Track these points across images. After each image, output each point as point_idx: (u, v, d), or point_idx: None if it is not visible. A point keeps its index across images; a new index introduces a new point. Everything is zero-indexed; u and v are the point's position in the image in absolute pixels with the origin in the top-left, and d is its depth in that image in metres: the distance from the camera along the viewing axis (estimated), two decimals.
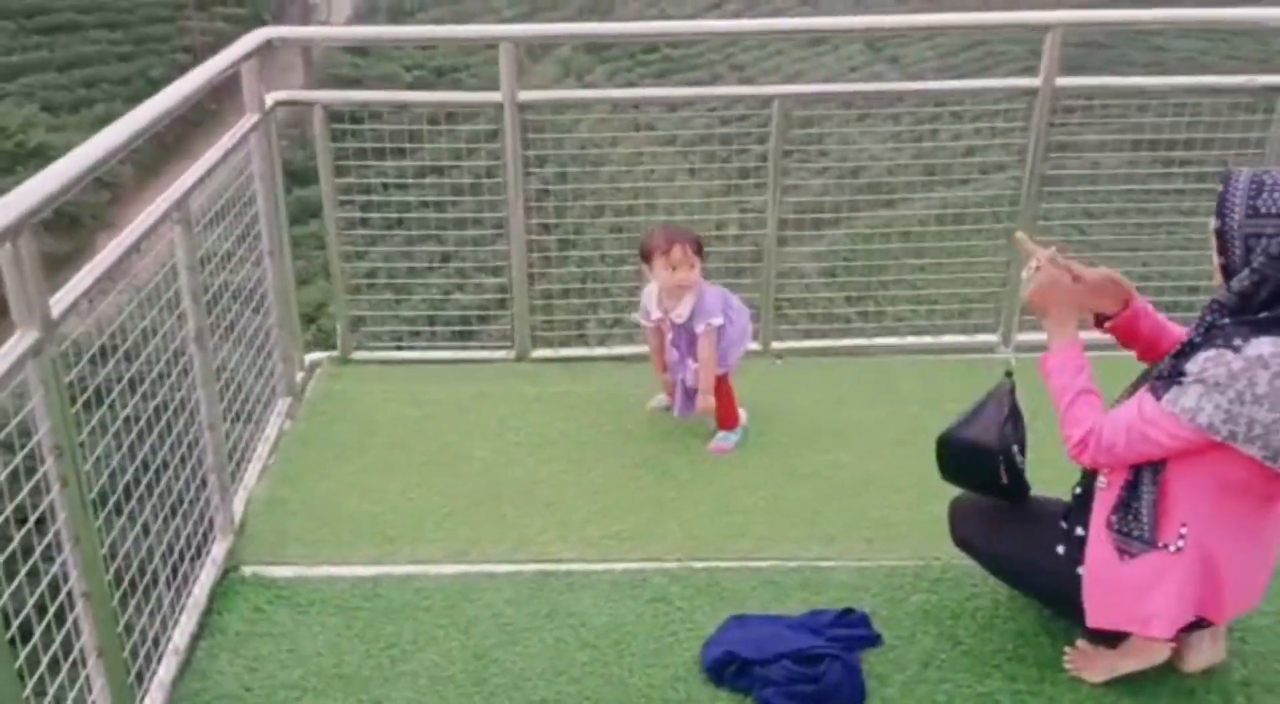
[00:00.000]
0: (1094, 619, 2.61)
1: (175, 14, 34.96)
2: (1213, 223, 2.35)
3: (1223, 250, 2.34)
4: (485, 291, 4.87)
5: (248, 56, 3.68)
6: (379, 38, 12.27)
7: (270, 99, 3.91)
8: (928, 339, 4.73)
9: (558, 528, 3.48)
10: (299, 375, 4.37)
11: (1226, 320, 2.33)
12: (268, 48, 3.82)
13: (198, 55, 31.69)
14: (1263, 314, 2.28)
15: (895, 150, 4.90)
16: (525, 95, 4.21)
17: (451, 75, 34.74)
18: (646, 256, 3.80)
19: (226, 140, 3.52)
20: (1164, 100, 4.44)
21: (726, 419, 3.95)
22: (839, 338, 4.80)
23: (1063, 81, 4.25)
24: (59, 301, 2.27)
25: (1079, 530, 2.66)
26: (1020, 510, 2.88)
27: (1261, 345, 2.24)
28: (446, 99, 4.78)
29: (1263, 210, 2.27)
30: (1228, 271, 2.35)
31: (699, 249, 3.79)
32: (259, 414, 3.87)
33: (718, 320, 3.81)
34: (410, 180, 4.44)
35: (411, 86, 31.81)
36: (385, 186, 4.26)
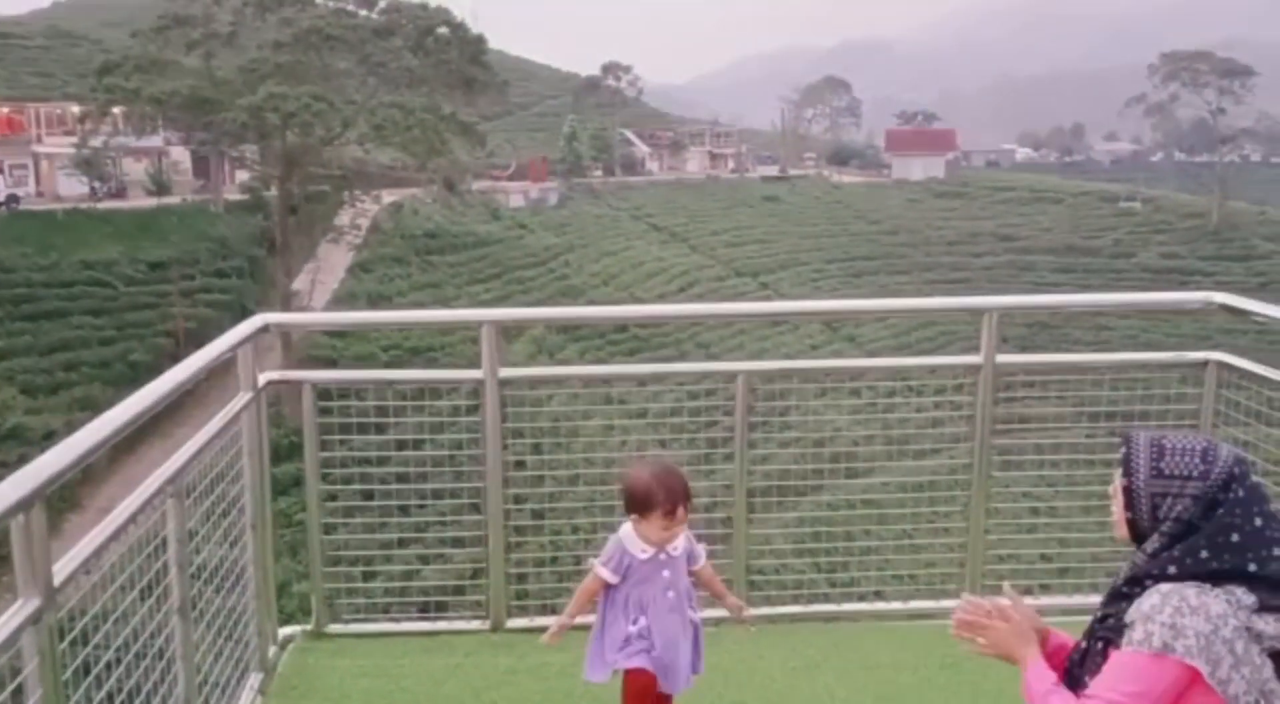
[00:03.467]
0: None
1: (159, 301, 36.30)
2: (1120, 480, 2.57)
3: (1129, 506, 2.56)
4: (460, 562, 4.94)
5: (245, 340, 3.93)
6: (369, 322, 12.88)
7: (263, 378, 4.14)
8: (896, 605, 4.81)
9: None
10: (272, 649, 4.35)
11: (1143, 575, 2.50)
12: (264, 331, 4.09)
13: (179, 340, 32.70)
14: (1170, 570, 2.47)
15: (857, 423, 5.17)
16: (505, 372, 4.47)
17: (427, 354, 35.92)
18: (641, 508, 3.46)
19: (221, 417, 3.71)
20: (1100, 376, 4.77)
21: None
22: (808, 604, 4.87)
23: (1003, 358, 4.59)
24: (60, 570, 2.37)
25: None
26: None
27: (1176, 584, 2.44)
28: (430, 377, 5.04)
29: (1166, 472, 2.51)
30: (1134, 525, 2.56)
31: (689, 500, 3.49)
32: (231, 690, 3.84)
33: (705, 553, 3.67)
34: (392, 453, 4.61)
35: (389, 366, 32.81)
36: (370, 461, 4.41)
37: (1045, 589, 4.79)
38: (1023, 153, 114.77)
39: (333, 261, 45.11)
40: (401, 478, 4.72)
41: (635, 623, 3.51)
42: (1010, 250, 60.25)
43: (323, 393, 4.50)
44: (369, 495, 4.64)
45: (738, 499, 4.57)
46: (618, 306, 14.75)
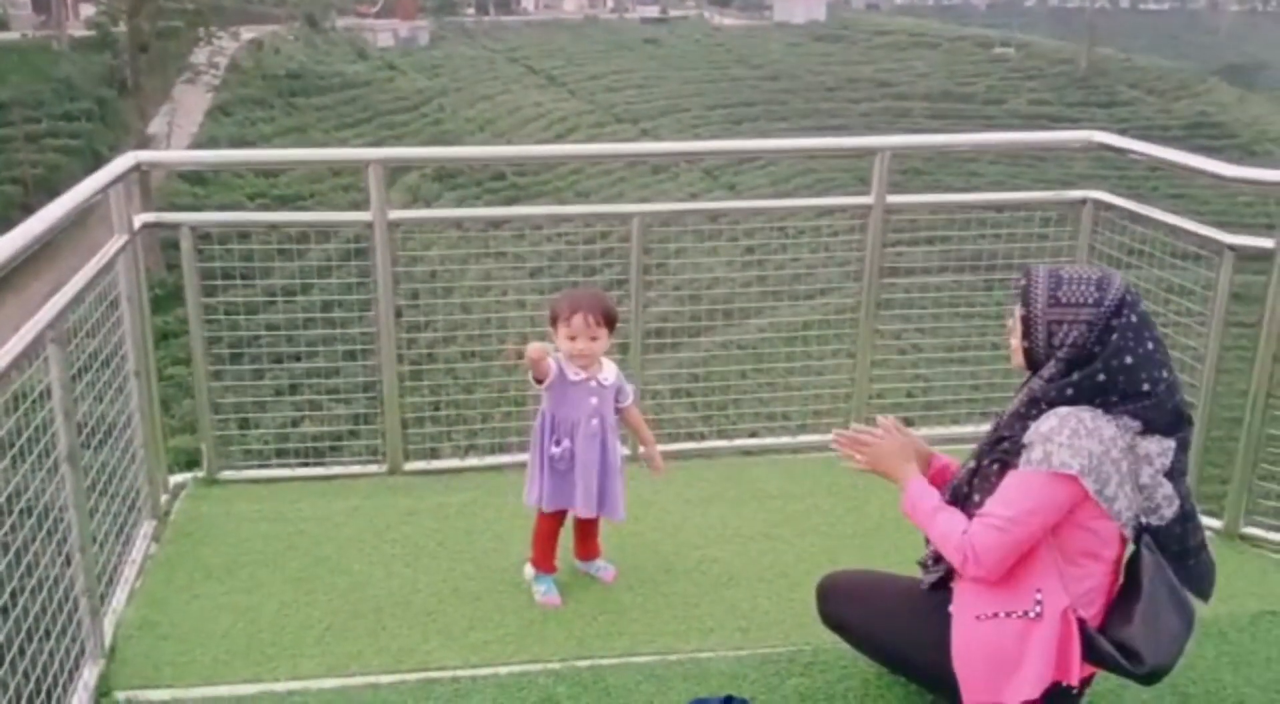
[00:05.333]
0: (968, 694, 2.78)
1: (2, 146, 33.95)
2: (1019, 311, 2.69)
3: (1027, 335, 2.69)
4: (353, 407, 4.90)
5: (116, 180, 3.72)
6: (250, 160, 11.86)
7: (138, 221, 3.94)
8: (785, 439, 4.98)
9: (440, 636, 3.50)
10: (163, 497, 4.29)
11: (1041, 397, 2.63)
12: (136, 171, 3.87)
13: (28, 187, 30.78)
14: (1069, 392, 2.61)
15: (749, 264, 5.23)
16: (394, 214, 4.36)
17: (296, 203, 34.65)
18: (552, 319, 3.56)
19: (96, 261, 3.54)
20: (982, 215, 4.89)
21: (594, 549, 3.89)
22: (701, 440, 5.00)
23: (893, 199, 4.66)
24: None
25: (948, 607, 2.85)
26: (891, 586, 3.07)
27: (1072, 407, 2.59)
28: (316, 219, 4.87)
29: (1063, 300, 2.63)
30: (1030, 353, 2.68)
31: (606, 320, 3.53)
32: (124, 537, 3.79)
33: (634, 393, 3.80)
34: (278, 298, 4.48)
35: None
36: (254, 307, 4.28)
37: (927, 420, 5.01)
38: None
39: (189, 104, 42.56)
40: (287, 324, 4.61)
41: (559, 444, 3.61)
42: (887, 96, 60.46)
43: (201, 237, 4.33)
44: (254, 342, 4.52)
45: (633, 342, 4.61)
46: (512, 147, 14.19)
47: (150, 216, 4.08)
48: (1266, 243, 3.91)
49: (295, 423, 5.06)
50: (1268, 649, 3.41)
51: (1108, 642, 2.64)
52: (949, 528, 2.72)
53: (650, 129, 53.42)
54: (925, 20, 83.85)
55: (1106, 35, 71.38)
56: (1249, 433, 4.03)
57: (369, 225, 4.34)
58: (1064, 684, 2.67)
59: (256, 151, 12.56)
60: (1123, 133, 5.03)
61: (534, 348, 3.47)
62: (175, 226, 4.23)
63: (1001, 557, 2.63)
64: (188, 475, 4.52)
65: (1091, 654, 2.65)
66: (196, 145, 39.95)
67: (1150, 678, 2.64)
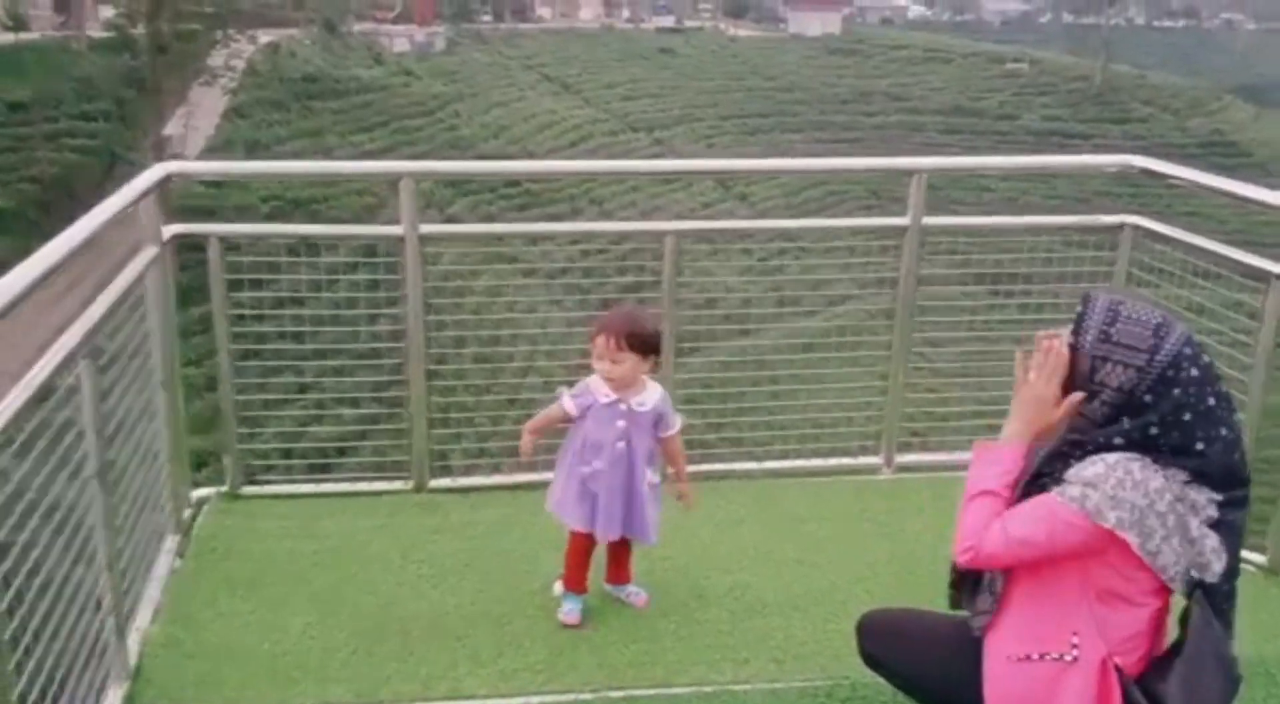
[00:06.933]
0: None
1: (20, 145, 34.05)
2: (1068, 337, 2.57)
3: (1072, 363, 2.55)
4: (382, 424, 4.84)
5: (148, 191, 3.68)
6: (279, 172, 11.53)
7: (168, 232, 3.89)
8: (817, 462, 4.91)
9: (469, 661, 3.44)
10: (187, 512, 4.24)
11: (1088, 440, 2.55)
12: (167, 182, 3.82)
13: (45, 185, 30.87)
14: (1117, 441, 2.51)
15: (779, 283, 5.18)
16: (426, 228, 4.30)
17: (309, 207, 34.64)
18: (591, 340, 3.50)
19: (128, 273, 3.49)
20: (1019, 239, 4.83)
21: (625, 574, 3.82)
22: (732, 462, 4.93)
23: (929, 220, 4.60)
24: None
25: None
26: (932, 625, 2.99)
27: (1121, 454, 2.49)
28: (346, 232, 4.81)
29: (1113, 338, 2.51)
30: (1068, 381, 2.56)
31: (630, 343, 3.42)
32: (148, 553, 3.73)
33: (680, 423, 3.67)
34: (305, 311, 4.43)
35: (269, 217, 31.53)
36: (281, 319, 4.23)
37: (960, 445, 4.93)
38: (915, 10, 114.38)
39: (206, 106, 42.70)
40: (316, 338, 4.55)
41: (589, 465, 3.57)
42: (901, 111, 60.47)
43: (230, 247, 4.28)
44: (281, 356, 4.47)
45: (666, 357, 4.54)
46: (543, 162, 13.83)
47: (180, 228, 4.02)
48: None
49: (324, 438, 4.99)
50: None
51: (1141, 693, 2.56)
52: (980, 515, 2.60)
53: (665, 138, 53.48)
54: (939, 35, 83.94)
55: (1121, 52, 71.31)
56: None
57: (400, 239, 4.29)
58: None
59: (286, 164, 12.26)
60: (1139, 151, 4.96)
61: (525, 442, 3.60)
62: (205, 237, 4.18)
63: (1000, 565, 2.60)
64: (211, 490, 4.46)
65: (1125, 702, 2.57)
66: (212, 147, 40.05)
67: None
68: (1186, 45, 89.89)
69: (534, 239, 4.47)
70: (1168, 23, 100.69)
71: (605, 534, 3.62)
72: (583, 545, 3.67)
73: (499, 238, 4.80)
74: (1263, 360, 4.00)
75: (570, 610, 3.67)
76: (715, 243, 4.80)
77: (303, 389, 4.57)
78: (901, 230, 4.61)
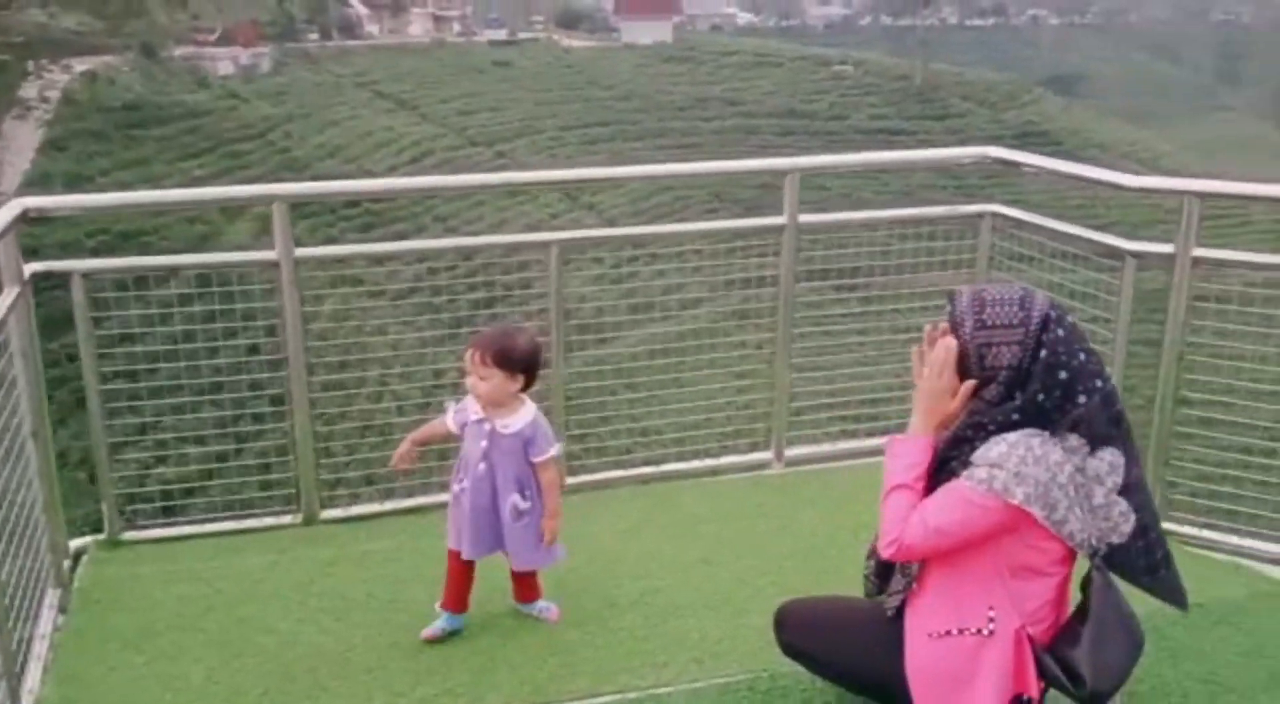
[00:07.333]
0: None
1: None
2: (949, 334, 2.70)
3: (960, 358, 2.67)
4: (264, 456, 4.67)
5: (6, 230, 3.47)
6: (144, 202, 10.73)
7: (28, 271, 3.68)
8: (710, 461, 4.97)
9: (385, 694, 3.35)
10: (65, 563, 4.00)
11: (987, 421, 2.66)
12: (23, 219, 3.61)
13: None
14: (1015, 417, 2.62)
15: (659, 288, 5.22)
16: (301, 252, 4.18)
17: (139, 239, 33.11)
18: None
19: None
20: (884, 232, 5.00)
21: (530, 592, 3.76)
22: (626, 469, 4.94)
23: (805, 218, 4.72)
24: None
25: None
26: (848, 610, 3.07)
27: (1021, 432, 2.60)
28: (216, 260, 4.62)
29: (989, 322, 2.64)
30: (961, 375, 2.68)
31: (499, 359, 3.36)
32: (30, 611, 3.51)
33: (556, 449, 3.57)
34: (178, 345, 4.24)
35: (95, 252, 30.01)
36: (155, 356, 4.04)
37: (847, 434, 5.07)
38: (744, 18, 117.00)
39: (20, 141, 40.37)
40: (192, 373, 4.36)
41: (460, 483, 3.57)
42: (737, 114, 61.65)
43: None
44: (157, 394, 4.27)
45: (556, 370, 4.53)
46: (423, 178, 13.04)
47: (40, 266, 3.80)
48: (1166, 248, 4.10)
49: (203, 475, 4.79)
50: (1199, 643, 3.53)
51: (1054, 660, 2.68)
52: (898, 508, 2.69)
53: (507, 151, 53.20)
54: (768, 41, 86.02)
55: (939, 51, 74.56)
56: (1158, 433, 4.20)
57: (274, 264, 4.16)
58: (1025, 696, 2.71)
59: (152, 193, 11.57)
60: (957, 144, 5.22)
61: (402, 448, 3.60)
62: (67, 274, 3.96)
63: (923, 555, 2.69)
64: (88, 539, 4.23)
65: (1037, 671, 2.69)
66: (29, 182, 37.84)
67: (1091, 701, 2.64)
68: (997, 41, 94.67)
69: (421, 257, 4.36)
70: (979, 21, 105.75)
71: (471, 552, 3.58)
72: (455, 563, 3.62)
73: (378, 259, 4.69)
74: (1122, 335, 4.25)
75: (432, 627, 3.61)
76: (588, 252, 4.79)
77: (178, 427, 4.36)
78: (780, 229, 4.72)
